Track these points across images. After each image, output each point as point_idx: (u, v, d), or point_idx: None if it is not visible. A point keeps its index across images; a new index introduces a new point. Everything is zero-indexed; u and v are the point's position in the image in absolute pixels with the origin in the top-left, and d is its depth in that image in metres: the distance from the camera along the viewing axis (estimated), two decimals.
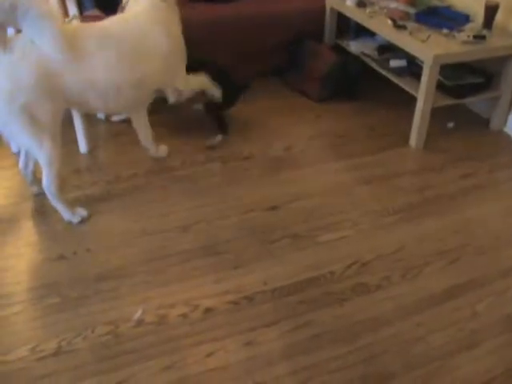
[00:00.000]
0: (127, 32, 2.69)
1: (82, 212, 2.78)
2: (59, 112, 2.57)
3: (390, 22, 3.46)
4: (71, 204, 2.79)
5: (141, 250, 2.59)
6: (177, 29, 2.91)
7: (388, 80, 3.57)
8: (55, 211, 2.75)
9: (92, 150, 3.33)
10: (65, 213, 2.75)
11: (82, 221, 2.75)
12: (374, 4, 3.70)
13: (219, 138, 3.37)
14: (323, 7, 4.02)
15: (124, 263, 2.51)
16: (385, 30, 3.49)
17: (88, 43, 2.54)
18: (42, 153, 2.57)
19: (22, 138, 2.53)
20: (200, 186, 3.02)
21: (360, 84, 3.88)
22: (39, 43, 2.38)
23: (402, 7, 3.62)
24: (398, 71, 3.56)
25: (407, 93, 3.39)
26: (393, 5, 3.67)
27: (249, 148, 3.33)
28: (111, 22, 2.72)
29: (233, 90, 3.40)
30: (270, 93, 3.97)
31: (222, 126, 3.43)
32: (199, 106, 3.49)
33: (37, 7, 2.30)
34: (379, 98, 3.86)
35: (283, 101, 3.88)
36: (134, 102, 2.83)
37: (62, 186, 2.83)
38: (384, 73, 3.60)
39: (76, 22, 3.18)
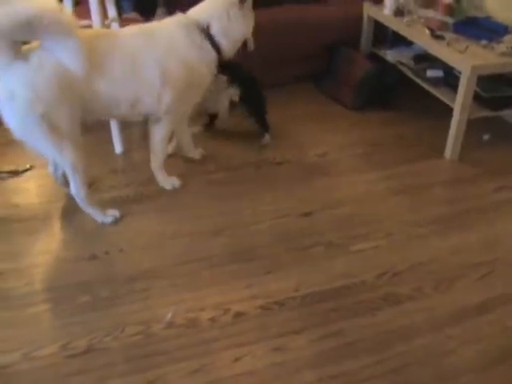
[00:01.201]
0: (143, 49, 2.66)
1: (114, 213, 2.80)
2: (78, 119, 2.56)
3: (427, 31, 3.43)
4: (104, 205, 2.82)
5: (173, 253, 2.60)
6: (202, 68, 2.81)
7: (424, 90, 3.54)
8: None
9: (127, 150, 3.36)
10: (96, 215, 2.78)
11: (115, 221, 2.77)
12: (412, 13, 3.68)
13: (267, 137, 3.41)
14: (360, 15, 4.01)
15: (156, 265, 2.53)
16: (422, 40, 3.47)
17: (104, 55, 2.55)
18: (64, 160, 2.58)
19: (42, 147, 2.54)
20: (233, 191, 3.03)
21: (395, 93, 3.86)
22: (60, 57, 2.38)
23: (440, 17, 3.60)
24: (435, 81, 3.53)
25: (443, 103, 3.36)
26: (431, 14, 3.65)
27: (282, 154, 3.32)
28: (135, 34, 2.70)
29: (259, 94, 3.40)
30: (305, 99, 3.97)
31: (265, 126, 3.43)
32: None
33: (59, 23, 2.31)
34: (414, 107, 3.83)
35: (318, 107, 3.87)
36: (141, 115, 2.82)
37: (97, 186, 2.88)
38: (420, 82, 3.58)
39: (114, 25, 3.22)
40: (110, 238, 2.68)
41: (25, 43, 2.39)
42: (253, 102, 3.36)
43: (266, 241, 2.67)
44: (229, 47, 2.83)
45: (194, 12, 2.81)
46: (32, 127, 2.43)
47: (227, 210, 2.88)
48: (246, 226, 2.76)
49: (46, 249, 2.66)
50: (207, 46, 2.76)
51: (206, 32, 2.76)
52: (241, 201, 2.95)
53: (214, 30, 2.76)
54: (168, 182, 3.03)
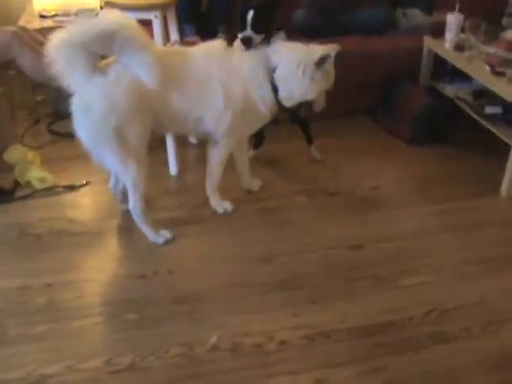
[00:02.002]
0: (213, 69, 2.73)
1: (166, 234, 2.84)
2: (147, 135, 2.64)
3: (488, 67, 3.40)
4: (157, 225, 2.85)
5: (221, 277, 2.62)
6: (259, 103, 2.82)
7: (482, 126, 3.49)
8: (141, 230, 2.82)
9: (181, 172, 3.41)
10: (149, 234, 2.82)
11: (166, 242, 2.81)
12: (473, 48, 3.64)
13: (314, 150, 3.43)
14: (420, 48, 3.99)
15: (203, 287, 2.55)
16: (482, 76, 3.43)
17: (178, 70, 2.66)
18: (127, 175, 2.65)
19: (110, 159, 2.62)
20: (285, 219, 3.04)
21: (453, 128, 3.81)
22: (136, 72, 2.49)
23: (502, 53, 3.55)
24: (493, 118, 3.48)
25: (501, 140, 3.32)
26: (492, 50, 3.60)
27: (336, 184, 3.32)
28: (206, 54, 2.77)
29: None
30: (361, 131, 3.96)
31: (309, 138, 3.44)
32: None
33: (137, 38, 2.42)
34: (471, 143, 3.77)
35: (373, 139, 3.86)
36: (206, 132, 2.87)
37: (151, 206, 2.91)
38: (478, 119, 3.54)
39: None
40: (159, 259, 2.72)
41: (102, 58, 2.52)
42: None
43: (315, 271, 2.67)
44: (286, 98, 2.82)
45: (274, 49, 2.81)
46: (103, 139, 2.53)
47: (277, 237, 2.89)
48: (294, 254, 2.76)
49: (97, 264, 2.73)
50: (267, 85, 2.78)
51: (271, 73, 2.77)
52: (291, 229, 2.96)
53: (277, 75, 2.77)
54: (221, 205, 3.06)
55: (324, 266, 2.69)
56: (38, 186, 3.20)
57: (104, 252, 2.82)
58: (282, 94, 2.79)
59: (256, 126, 2.96)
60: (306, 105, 2.97)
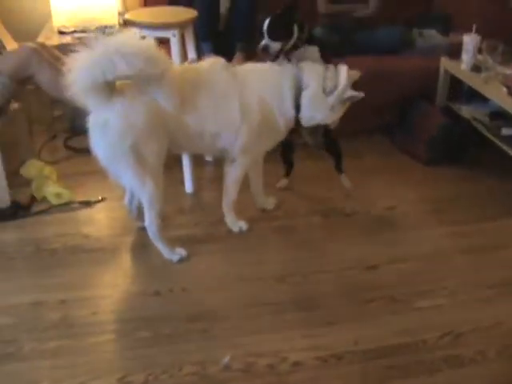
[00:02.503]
0: (230, 84, 2.76)
1: (181, 251, 2.85)
2: (163, 153, 2.66)
3: (504, 89, 3.39)
4: (172, 242, 2.86)
5: (235, 295, 2.61)
6: (279, 119, 2.85)
7: (498, 147, 3.49)
8: (156, 247, 2.82)
9: (197, 191, 3.42)
10: (164, 251, 2.83)
11: (181, 260, 2.82)
12: (490, 69, 3.63)
13: (345, 179, 3.38)
14: (437, 68, 3.99)
15: (217, 306, 2.55)
16: (498, 97, 3.43)
17: (190, 88, 2.67)
18: (144, 192, 2.67)
19: (126, 177, 2.63)
20: (300, 238, 3.04)
21: (469, 149, 3.81)
22: (154, 95, 2.53)
23: None
24: (510, 139, 3.48)
25: None
26: (509, 71, 3.59)
27: (351, 204, 3.31)
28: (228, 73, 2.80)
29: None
30: (377, 151, 3.96)
31: (339, 166, 3.39)
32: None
33: (156, 63, 2.44)
34: (488, 165, 3.76)
35: (389, 160, 3.86)
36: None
37: (166, 224, 2.93)
38: (495, 140, 3.53)
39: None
40: (174, 276, 2.73)
41: None
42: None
43: (329, 291, 2.66)
44: (306, 118, 2.86)
45: (308, 70, 2.84)
46: (120, 157, 2.55)
47: (292, 257, 2.89)
48: (309, 274, 2.76)
49: (112, 281, 2.74)
50: (291, 101, 2.82)
51: (298, 91, 2.81)
52: (306, 249, 2.95)
53: (304, 95, 2.81)
54: (236, 224, 3.06)
55: (338, 287, 2.68)
56: (54, 201, 3.22)
57: (119, 268, 2.83)
58: (304, 114, 2.83)
59: (272, 142, 2.95)
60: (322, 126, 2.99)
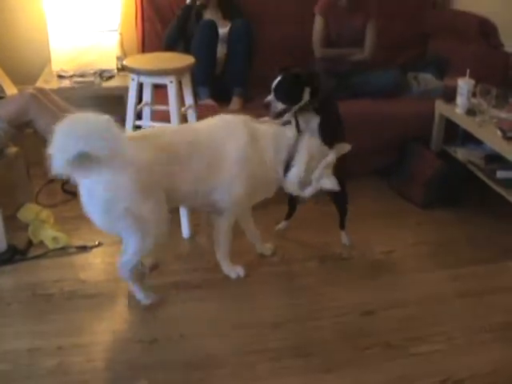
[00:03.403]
0: (224, 141, 2.74)
1: (153, 296, 2.81)
2: (163, 207, 2.60)
3: (499, 132, 3.42)
4: (169, 288, 2.88)
5: (232, 342, 2.60)
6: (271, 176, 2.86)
7: (495, 190, 3.51)
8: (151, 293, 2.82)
9: (194, 235, 3.41)
10: (136, 292, 2.79)
11: (151, 304, 2.79)
12: (485, 113, 3.67)
13: (344, 235, 3.35)
14: (432, 112, 4.03)
15: (215, 353, 2.53)
16: (493, 141, 3.46)
17: (181, 149, 2.65)
18: (138, 245, 2.61)
19: (127, 236, 2.61)
20: (297, 284, 3.03)
21: (465, 192, 3.83)
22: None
23: None
24: (505, 182, 3.49)
25: None
26: (504, 115, 3.63)
27: (348, 249, 3.31)
28: (209, 128, 2.80)
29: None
30: (373, 194, 3.98)
31: (342, 222, 3.37)
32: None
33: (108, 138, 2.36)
34: (484, 208, 3.77)
35: (386, 203, 3.87)
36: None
37: (163, 270, 2.98)
38: (490, 183, 3.55)
39: (190, 113, 3.35)
40: (171, 323, 2.71)
41: None
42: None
43: (326, 337, 2.64)
44: (289, 182, 2.86)
45: (306, 142, 2.85)
46: (115, 222, 2.53)
47: (289, 303, 2.88)
48: (306, 320, 2.74)
49: (109, 327, 2.72)
50: (281, 167, 2.84)
51: (290, 159, 2.82)
52: (303, 294, 2.94)
53: (295, 161, 2.81)
54: (233, 270, 3.03)
55: (335, 333, 2.67)
56: (50, 245, 3.22)
57: (115, 314, 2.81)
58: (290, 178, 2.84)
59: (263, 196, 2.94)
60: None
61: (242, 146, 2.73)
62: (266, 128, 2.86)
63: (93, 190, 2.45)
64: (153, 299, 2.80)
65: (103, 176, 2.42)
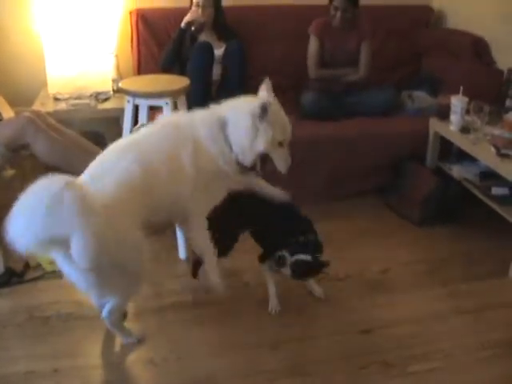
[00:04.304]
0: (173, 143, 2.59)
1: (136, 335, 2.72)
2: (143, 246, 2.38)
3: (493, 149, 3.44)
4: (166, 309, 2.87)
5: (230, 364, 2.59)
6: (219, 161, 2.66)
7: (490, 207, 3.52)
8: (149, 315, 2.81)
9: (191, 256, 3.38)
10: (121, 335, 2.71)
11: (137, 342, 2.72)
12: (478, 130, 3.68)
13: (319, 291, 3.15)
14: (427, 130, 4.06)
15: (212, 375, 2.52)
16: (488, 158, 3.48)
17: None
18: (125, 290, 2.52)
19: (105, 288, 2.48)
20: (293, 304, 3.01)
21: (461, 209, 3.85)
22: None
23: (507, 135, 3.59)
24: (500, 199, 3.51)
25: (509, 221, 3.34)
26: (497, 132, 3.65)
27: (345, 268, 3.29)
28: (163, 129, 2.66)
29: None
30: (370, 213, 3.98)
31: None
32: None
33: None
34: (480, 224, 3.78)
35: (382, 222, 3.88)
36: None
37: (160, 290, 2.98)
38: (485, 200, 3.56)
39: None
40: (168, 344, 2.70)
41: None
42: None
43: (323, 357, 2.64)
44: (240, 153, 2.64)
45: (226, 105, 2.74)
46: (103, 280, 2.38)
47: (286, 323, 2.86)
48: (303, 340, 2.74)
49: (105, 349, 2.71)
50: (222, 140, 2.63)
51: (224, 128, 2.64)
52: (299, 314, 2.93)
53: (228, 130, 2.63)
54: (221, 284, 2.76)
55: (333, 352, 2.66)
56: (47, 268, 3.21)
57: (112, 337, 2.80)
58: (235, 149, 2.63)
59: (225, 192, 2.73)
60: (265, 161, 2.75)
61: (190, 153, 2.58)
62: (199, 118, 2.69)
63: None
64: (136, 339, 2.71)
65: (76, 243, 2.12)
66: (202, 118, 2.69)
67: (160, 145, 2.57)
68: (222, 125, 2.64)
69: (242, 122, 2.59)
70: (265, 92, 2.71)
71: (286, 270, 2.71)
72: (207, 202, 2.68)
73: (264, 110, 2.52)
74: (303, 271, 2.73)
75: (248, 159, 2.65)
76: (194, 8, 4.17)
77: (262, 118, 2.54)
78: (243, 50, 4.15)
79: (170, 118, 2.85)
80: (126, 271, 2.36)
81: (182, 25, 4.16)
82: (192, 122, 2.67)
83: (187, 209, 2.63)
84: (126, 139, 2.73)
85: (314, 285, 3.08)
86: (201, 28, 4.16)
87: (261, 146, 2.59)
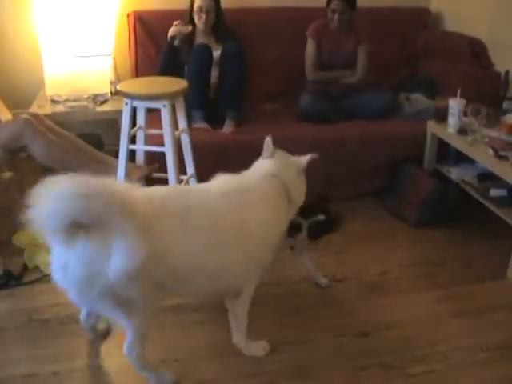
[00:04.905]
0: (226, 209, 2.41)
1: (170, 376, 2.46)
2: (152, 288, 2.23)
3: (491, 151, 3.45)
4: (166, 312, 2.80)
5: (229, 366, 2.58)
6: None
7: (488, 208, 3.53)
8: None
9: None
10: (151, 380, 2.41)
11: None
12: (476, 132, 3.69)
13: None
14: (424, 132, 4.07)
15: (212, 378, 2.52)
16: (485, 159, 3.49)
17: (167, 223, 2.24)
18: (131, 326, 2.28)
19: (110, 314, 2.35)
20: (291, 306, 3.01)
21: (459, 211, 3.85)
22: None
23: (504, 137, 3.60)
24: (499, 201, 3.51)
25: (507, 223, 3.34)
26: (495, 134, 3.66)
27: (343, 270, 3.30)
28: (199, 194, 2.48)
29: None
30: (368, 215, 3.98)
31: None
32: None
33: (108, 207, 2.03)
34: (478, 226, 3.79)
35: (380, 224, 3.88)
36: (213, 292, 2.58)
37: None
38: (483, 202, 3.57)
39: (184, 135, 3.34)
40: (167, 347, 2.69)
41: None
42: None
43: (322, 359, 2.63)
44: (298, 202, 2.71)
45: (274, 167, 2.64)
46: (93, 301, 2.22)
47: (284, 325, 2.86)
48: (302, 342, 2.74)
49: (104, 352, 2.69)
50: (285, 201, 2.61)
51: (286, 187, 2.61)
52: (298, 316, 2.93)
53: (290, 186, 2.63)
54: (259, 347, 2.66)
55: (331, 354, 2.66)
56: (46, 270, 3.20)
57: (111, 339, 2.79)
58: (295, 200, 2.68)
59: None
60: None
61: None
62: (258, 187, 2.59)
63: (67, 264, 2.08)
64: (170, 380, 2.45)
65: (83, 248, 2.04)
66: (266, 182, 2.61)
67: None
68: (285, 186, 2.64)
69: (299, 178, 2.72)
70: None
71: (302, 235, 2.96)
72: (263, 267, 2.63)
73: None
74: (318, 230, 3.02)
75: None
76: (175, 22, 4.14)
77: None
78: (241, 52, 4.14)
79: None
80: (129, 302, 2.19)
81: (168, 39, 4.17)
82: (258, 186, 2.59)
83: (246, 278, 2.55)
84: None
85: (319, 276, 3.15)
86: (185, 40, 4.16)
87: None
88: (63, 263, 2.08)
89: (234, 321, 2.63)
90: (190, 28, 4.14)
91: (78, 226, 2.01)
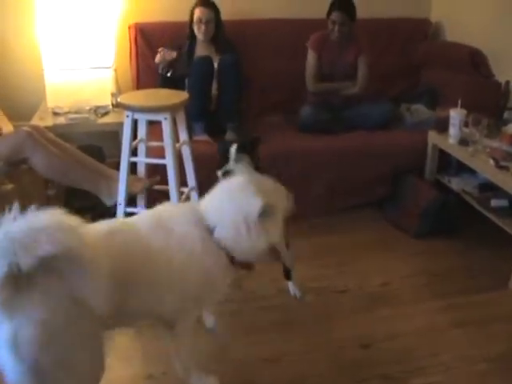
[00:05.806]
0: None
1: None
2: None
3: (492, 161, 3.45)
4: None
5: (230, 378, 2.56)
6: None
7: (489, 219, 3.52)
8: (149, 329, 2.79)
9: None
10: None
11: None
12: (477, 143, 3.69)
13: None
14: (425, 143, 4.08)
15: None
16: (486, 170, 3.50)
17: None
18: None
19: None
20: (292, 318, 3.01)
21: (460, 221, 3.84)
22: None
23: (505, 147, 3.60)
24: (499, 211, 3.52)
25: (508, 233, 3.34)
26: (495, 144, 3.66)
27: (344, 281, 3.30)
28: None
29: None
30: (369, 225, 3.98)
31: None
32: None
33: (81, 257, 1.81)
34: (479, 236, 3.78)
35: (381, 234, 3.88)
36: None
37: None
38: (484, 212, 3.57)
39: (185, 147, 3.35)
40: (168, 359, 2.65)
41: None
42: None
43: (323, 372, 2.63)
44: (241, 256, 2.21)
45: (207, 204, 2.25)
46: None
47: (285, 337, 2.85)
48: (302, 354, 2.73)
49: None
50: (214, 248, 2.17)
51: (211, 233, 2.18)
52: (298, 328, 2.93)
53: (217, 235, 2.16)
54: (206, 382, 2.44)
55: (332, 366, 2.66)
56: None
57: (112, 351, 2.78)
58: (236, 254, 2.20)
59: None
60: None
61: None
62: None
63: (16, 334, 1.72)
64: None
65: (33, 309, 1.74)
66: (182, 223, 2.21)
67: None
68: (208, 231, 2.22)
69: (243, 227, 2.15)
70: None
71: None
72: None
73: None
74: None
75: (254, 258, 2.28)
76: (159, 48, 4.17)
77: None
78: (236, 63, 4.12)
79: None
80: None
81: (156, 67, 4.22)
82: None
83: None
84: None
85: (293, 286, 3.15)
86: (169, 67, 4.17)
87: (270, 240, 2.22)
88: (10, 336, 1.71)
89: (179, 357, 2.40)
90: (174, 54, 4.15)
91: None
